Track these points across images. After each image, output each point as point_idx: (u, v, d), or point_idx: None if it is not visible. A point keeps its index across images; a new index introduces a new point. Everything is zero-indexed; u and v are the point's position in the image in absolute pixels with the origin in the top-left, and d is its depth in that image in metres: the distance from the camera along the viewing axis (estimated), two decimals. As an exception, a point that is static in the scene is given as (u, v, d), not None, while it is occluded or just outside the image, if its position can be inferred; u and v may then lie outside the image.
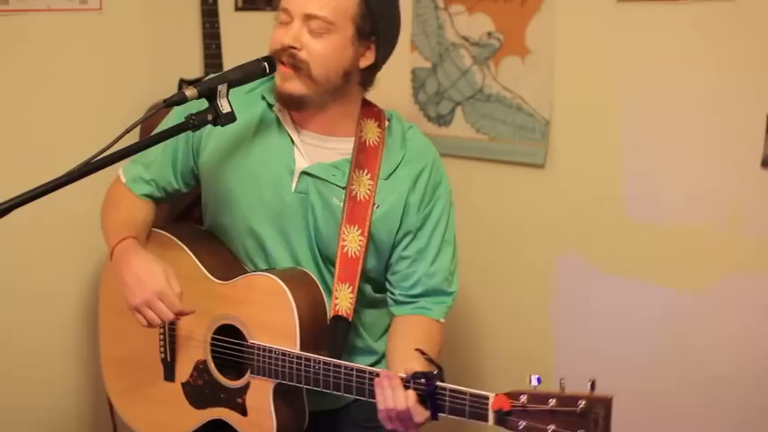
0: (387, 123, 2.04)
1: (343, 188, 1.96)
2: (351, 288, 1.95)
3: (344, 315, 1.95)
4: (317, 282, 1.97)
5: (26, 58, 2.71)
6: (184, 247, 2.06)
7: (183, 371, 2.07)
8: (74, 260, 2.88)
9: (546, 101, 2.60)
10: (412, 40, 2.83)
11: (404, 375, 1.76)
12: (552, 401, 1.56)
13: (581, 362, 2.59)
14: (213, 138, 2.01)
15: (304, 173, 1.97)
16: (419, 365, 1.80)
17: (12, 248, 2.73)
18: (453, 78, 2.78)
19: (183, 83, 2.93)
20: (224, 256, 2.07)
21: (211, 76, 1.89)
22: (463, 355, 2.86)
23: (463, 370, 2.87)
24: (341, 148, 2.00)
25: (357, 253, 1.95)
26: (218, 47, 2.92)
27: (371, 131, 2.01)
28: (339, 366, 1.84)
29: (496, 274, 2.78)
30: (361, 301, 2.02)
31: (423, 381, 1.73)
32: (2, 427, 2.79)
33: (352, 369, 1.83)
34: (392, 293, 2.04)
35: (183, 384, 2.08)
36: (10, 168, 2.66)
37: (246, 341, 1.96)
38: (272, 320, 1.93)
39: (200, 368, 2.04)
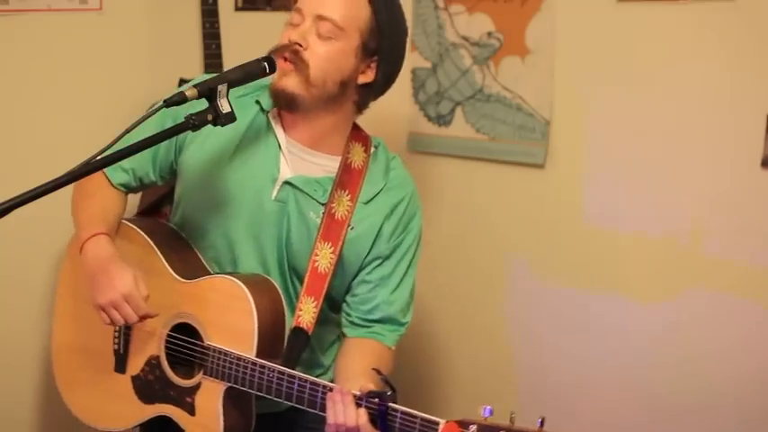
0: (373, 150, 2.07)
1: (323, 204, 1.99)
2: (315, 303, 1.98)
3: (305, 328, 1.97)
4: (280, 291, 1.98)
5: (26, 58, 2.71)
6: (150, 241, 2.07)
7: (135, 364, 2.07)
8: (74, 260, 2.88)
9: (546, 101, 2.60)
10: (412, 40, 2.83)
11: (357, 393, 1.78)
12: None
13: (574, 367, 2.60)
14: (200, 136, 2.00)
15: (286, 182, 1.99)
16: (373, 386, 1.81)
17: (12, 248, 2.73)
18: (453, 78, 2.78)
19: (183, 83, 2.93)
20: (189, 255, 2.08)
21: (202, 76, 1.88)
22: (463, 355, 2.87)
23: (463, 370, 2.87)
24: (326, 165, 2.02)
25: (326, 270, 1.98)
26: (218, 47, 2.92)
27: (358, 155, 2.04)
28: (293, 377, 1.85)
29: (494, 274, 2.78)
30: (321, 320, 2.04)
31: (376, 400, 1.75)
32: (2, 427, 2.79)
33: (305, 381, 1.84)
34: (348, 314, 2.07)
35: (132, 377, 2.08)
36: (10, 168, 2.66)
37: (202, 341, 1.96)
38: (231, 323, 1.93)
39: (153, 363, 2.04)
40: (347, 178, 2.01)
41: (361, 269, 2.04)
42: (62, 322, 2.22)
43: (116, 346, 2.10)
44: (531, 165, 2.66)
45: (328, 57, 1.91)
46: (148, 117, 1.81)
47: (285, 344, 1.96)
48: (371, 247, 2.02)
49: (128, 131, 1.72)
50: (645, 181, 2.47)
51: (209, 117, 1.80)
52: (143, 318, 1.94)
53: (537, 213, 2.68)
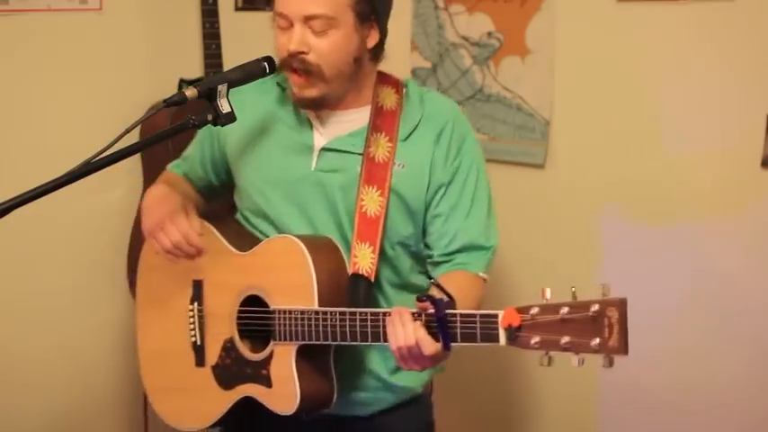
0: (404, 90, 2.01)
1: (361, 154, 1.94)
2: (372, 248, 1.91)
3: (364, 274, 1.89)
4: (340, 247, 1.92)
5: (26, 58, 2.71)
6: (207, 223, 2.05)
7: (213, 353, 2.03)
8: (74, 260, 2.89)
9: (546, 101, 2.60)
10: (412, 40, 2.83)
11: (414, 311, 1.72)
12: (564, 310, 1.47)
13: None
14: (232, 130, 2.00)
15: (323, 149, 1.96)
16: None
17: (12, 248, 2.73)
18: (453, 78, 2.78)
19: (182, 83, 2.93)
20: (242, 229, 2.07)
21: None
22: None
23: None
24: (358, 119, 1.98)
25: (377, 213, 1.91)
26: (218, 47, 2.92)
27: (388, 97, 1.99)
28: (354, 314, 1.79)
29: (496, 274, 2.78)
30: (396, 283, 1.99)
31: (431, 306, 1.66)
32: (2, 427, 2.79)
33: (366, 314, 1.78)
34: (430, 257, 2.00)
35: (212, 367, 2.04)
36: (10, 168, 2.67)
37: (269, 308, 1.92)
38: (291, 281, 1.88)
39: (228, 347, 2.00)
40: (381, 120, 1.96)
41: (427, 207, 1.97)
42: (144, 331, 2.21)
43: (193, 339, 2.06)
44: (531, 165, 2.66)
45: (333, 49, 1.88)
46: (148, 117, 1.81)
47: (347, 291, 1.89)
48: (429, 179, 1.95)
49: (128, 131, 1.72)
50: (645, 180, 2.47)
51: (210, 117, 1.81)
52: (191, 244, 1.94)
53: (537, 213, 2.68)
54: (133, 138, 1.95)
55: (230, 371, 2.01)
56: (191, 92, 1.76)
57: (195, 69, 2.98)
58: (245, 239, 2.03)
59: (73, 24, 2.78)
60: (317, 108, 1.96)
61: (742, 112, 2.29)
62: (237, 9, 3.10)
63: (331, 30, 1.86)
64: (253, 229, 2.05)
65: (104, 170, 1.70)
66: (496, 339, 1.60)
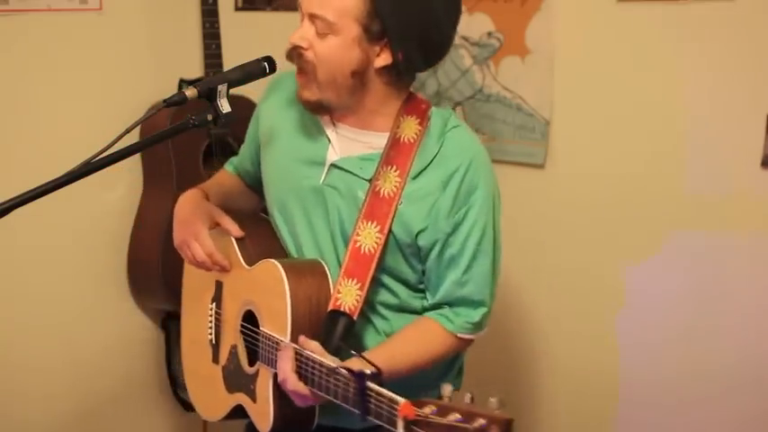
0: (428, 123, 1.92)
1: (368, 180, 1.90)
2: (359, 285, 1.86)
3: (346, 311, 1.85)
4: (329, 275, 1.90)
5: (26, 58, 2.71)
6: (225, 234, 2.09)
7: (223, 354, 2.09)
8: (74, 260, 2.88)
9: (546, 101, 2.60)
10: (412, 40, 2.83)
11: (296, 348, 1.78)
12: (453, 417, 1.49)
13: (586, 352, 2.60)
14: (268, 130, 2.06)
15: (333, 165, 1.94)
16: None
17: (12, 248, 2.73)
18: (453, 78, 2.78)
19: (182, 83, 2.93)
20: (265, 239, 2.07)
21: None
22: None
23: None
24: (374, 143, 1.94)
25: (372, 250, 1.87)
26: (218, 47, 2.92)
27: (409, 128, 1.91)
28: (308, 359, 1.77)
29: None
30: (393, 306, 1.97)
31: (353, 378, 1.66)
32: (2, 428, 2.79)
33: (317, 364, 1.75)
34: (425, 302, 1.97)
35: (222, 367, 2.09)
36: (10, 168, 2.66)
37: (259, 328, 1.95)
38: (273, 306, 1.91)
39: (233, 352, 2.04)
40: (395, 153, 1.89)
41: (428, 252, 1.90)
42: (184, 317, 2.30)
43: (210, 337, 2.13)
44: (531, 165, 2.66)
45: (329, 54, 1.85)
46: (148, 117, 1.81)
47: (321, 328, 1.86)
48: (427, 225, 1.88)
49: (128, 131, 1.72)
50: (644, 180, 2.47)
51: (210, 117, 1.81)
52: (215, 263, 2.02)
53: (537, 213, 2.68)
54: (133, 138, 1.95)
55: (233, 376, 2.04)
56: (191, 92, 1.76)
57: (195, 69, 2.97)
58: (260, 247, 2.04)
59: (73, 24, 2.78)
60: (317, 113, 1.95)
61: (742, 112, 2.29)
62: (237, 9, 3.10)
63: (330, 35, 1.84)
64: (275, 227, 2.06)
65: (104, 170, 1.70)
66: (395, 426, 1.57)
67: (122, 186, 2.92)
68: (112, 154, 1.69)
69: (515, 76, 2.65)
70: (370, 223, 1.89)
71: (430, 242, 1.90)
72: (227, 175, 2.24)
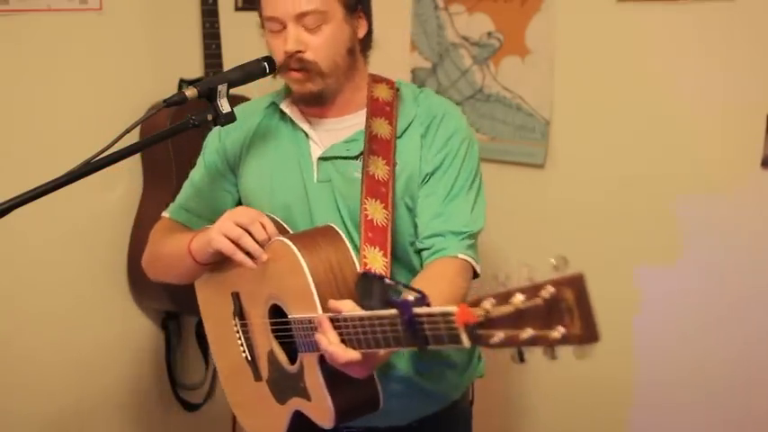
0: (398, 91, 1.99)
1: (357, 158, 1.91)
2: (382, 252, 1.81)
3: (377, 273, 1.76)
4: (343, 236, 1.82)
5: (26, 58, 2.71)
6: None
7: (264, 366, 1.96)
8: (74, 260, 2.88)
9: (546, 101, 2.60)
10: (412, 40, 2.83)
11: (333, 316, 1.62)
12: (517, 298, 1.27)
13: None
14: (242, 153, 2.02)
15: (320, 159, 1.95)
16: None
17: (12, 248, 2.73)
18: (453, 78, 2.78)
19: (182, 83, 2.93)
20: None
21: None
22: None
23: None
24: (353, 125, 1.97)
25: (383, 222, 1.85)
26: (218, 47, 2.92)
27: (383, 90, 1.98)
28: (355, 319, 1.60)
29: (494, 275, 2.78)
30: (414, 273, 1.92)
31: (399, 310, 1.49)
32: (2, 427, 2.79)
33: (370, 318, 1.58)
34: (414, 244, 1.93)
35: (267, 381, 1.95)
36: (10, 168, 2.66)
37: (286, 317, 1.83)
38: (295, 287, 1.77)
39: (271, 359, 1.93)
40: (376, 108, 1.94)
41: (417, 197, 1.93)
42: (215, 350, 2.14)
43: (245, 355, 1.99)
44: (531, 165, 2.66)
45: (327, 43, 1.88)
46: (148, 117, 1.81)
47: (356, 290, 1.73)
48: (420, 173, 1.92)
49: (128, 131, 1.72)
50: (644, 180, 2.47)
51: (209, 117, 1.81)
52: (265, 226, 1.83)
53: (537, 213, 2.68)
54: (133, 138, 1.95)
55: (280, 384, 1.92)
56: (191, 92, 1.76)
57: (195, 69, 2.98)
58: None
59: (73, 24, 2.78)
60: (318, 103, 1.95)
61: (742, 112, 2.29)
62: (237, 9, 3.10)
63: (323, 25, 1.87)
64: None
65: (104, 170, 1.70)
66: (459, 341, 1.38)
67: (122, 186, 2.93)
68: (112, 154, 1.69)
69: (515, 76, 2.65)
70: (374, 200, 1.88)
71: (422, 185, 1.93)
72: (173, 224, 2.08)
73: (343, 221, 1.93)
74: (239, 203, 2.06)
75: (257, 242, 1.81)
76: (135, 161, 2.91)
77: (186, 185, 2.11)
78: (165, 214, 2.10)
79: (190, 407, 3.19)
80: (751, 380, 2.34)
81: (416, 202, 1.93)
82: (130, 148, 1.75)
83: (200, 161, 2.09)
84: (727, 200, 2.34)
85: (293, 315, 1.79)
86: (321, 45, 1.87)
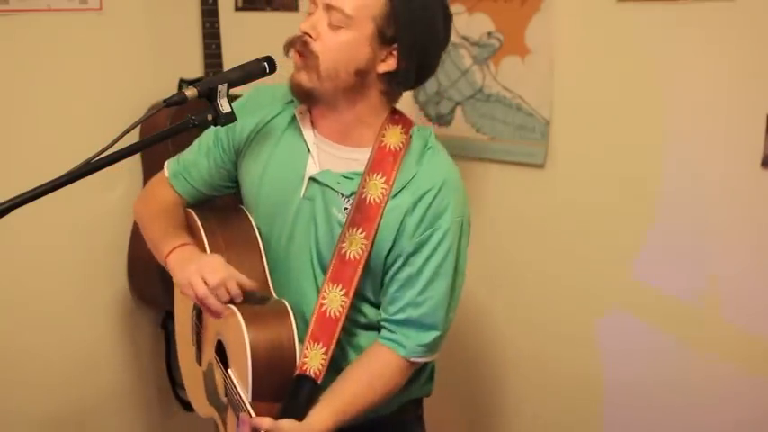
0: (411, 138, 1.94)
1: (348, 196, 1.89)
2: (324, 349, 1.84)
3: (312, 375, 1.82)
4: (292, 323, 1.84)
5: (26, 58, 2.71)
6: (206, 242, 2.01)
7: (204, 361, 2.08)
8: (74, 260, 2.88)
9: (546, 101, 2.60)
10: (412, 40, 2.83)
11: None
12: None
13: (580, 355, 2.60)
14: (247, 142, 2.02)
15: (312, 179, 1.93)
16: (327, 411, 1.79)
17: (12, 248, 2.73)
18: (453, 78, 2.78)
19: (182, 83, 2.93)
20: (249, 259, 1.98)
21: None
22: (460, 355, 2.87)
23: (466, 368, 2.88)
24: (354, 159, 1.93)
25: (357, 256, 1.85)
26: (218, 47, 2.92)
27: (394, 136, 1.92)
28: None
29: (495, 275, 2.78)
30: (359, 323, 1.96)
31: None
32: (3, 428, 2.79)
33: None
34: (380, 316, 1.95)
35: (203, 373, 2.09)
36: (10, 168, 2.66)
37: (227, 365, 1.91)
38: (238, 354, 1.84)
39: (210, 368, 2.03)
40: (380, 158, 1.89)
41: (387, 268, 1.91)
42: (176, 312, 2.30)
43: (192, 338, 2.15)
44: (531, 165, 2.66)
45: (338, 47, 1.83)
46: (148, 117, 1.81)
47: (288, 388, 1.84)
48: (393, 242, 1.88)
49: (128, 131, 1.72)
50: (644, 180, 2.47)
51: (210, 117, 1.81)
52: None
53: (537, 213, 2.68)
54: (133, 138, 1.96)
55: (210, 390, 2.03)
56: (191, 92, 1.76)
57: (195, 69, 2.98)
58: (241, 268, 1.93)
59: (73, 24, 2.78)
60: (305, 101, 1.93)
61: (742, 112, 2.29)
62: (237, 9, 3.10)
63: (345, 29, 1.83)
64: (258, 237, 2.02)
65: (104, 170, 1.70)
66: None
67: (122, 186, 2.92)
68: (112, 154, 1.69)
69: (515, 76, 2.65)
70: (356, 230, 1.87)
71: (392, 259, 1.90)
72: (169, 196, 2.11)
73: (310, 249, 1.93)
74: (236, 182, 2.08)
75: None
76: (135, 161, 2.91)
77: (195, 147, 2.09)
78: (166, 172, 2.11)
79: (189, 407, 3.16)
80: (740, 381, 2.34)
81: (378, 264, 1.90)
82: (130, 148, 1.75)
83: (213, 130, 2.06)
84: (728, 200, 2.33)
85: (231, 372, 1.88)
86: (331, 45, 1.84)
